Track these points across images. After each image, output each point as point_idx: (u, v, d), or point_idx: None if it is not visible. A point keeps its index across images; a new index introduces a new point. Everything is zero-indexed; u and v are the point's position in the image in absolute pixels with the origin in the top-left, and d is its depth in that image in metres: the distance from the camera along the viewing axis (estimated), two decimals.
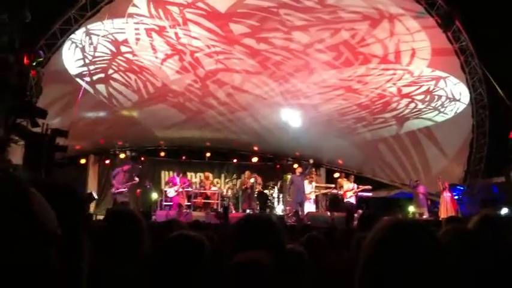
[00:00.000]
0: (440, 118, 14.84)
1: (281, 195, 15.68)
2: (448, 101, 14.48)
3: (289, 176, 14.87)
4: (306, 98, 15.04)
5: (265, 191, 15.50)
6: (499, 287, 1.51)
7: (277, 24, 12.62)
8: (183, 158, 17.35)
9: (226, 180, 17.38)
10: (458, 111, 14.65)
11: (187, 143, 17.32)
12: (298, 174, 13.88)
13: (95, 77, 13.35)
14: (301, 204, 13.19)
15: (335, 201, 14.47)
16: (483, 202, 14.19)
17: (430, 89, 14.20)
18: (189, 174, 16.25)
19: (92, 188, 15.83)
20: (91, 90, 13.60)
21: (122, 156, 16.16)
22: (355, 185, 14.33)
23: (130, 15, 11.98)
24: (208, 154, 17.49)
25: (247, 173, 14.80)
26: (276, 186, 16.11)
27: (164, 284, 1.77)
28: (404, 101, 14.72)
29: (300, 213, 12.82)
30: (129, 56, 13.20)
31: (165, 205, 14.16)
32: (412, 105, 14.78)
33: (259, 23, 12.58)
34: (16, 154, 9.22)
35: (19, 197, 0.77)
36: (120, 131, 15.75)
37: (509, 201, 12.45)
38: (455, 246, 1.53)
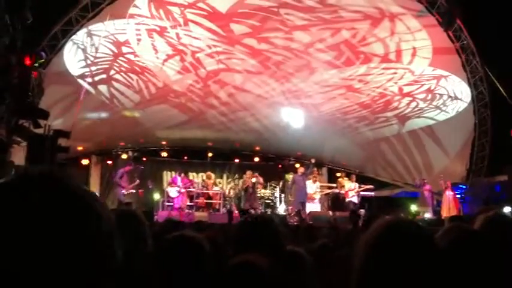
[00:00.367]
0: (442, 117, 14.83)
1: (283, 195, 15.69)
2: (449, 99, 14.47)
3: (291, 176, 14.87)
4: (307, 98, 15.04)
5: (267, 191, 15.53)
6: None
7: (278, 24, 12.63)
8: (185, 158, 17.36)
9: (228, 180, 17.38)
10: (459, 110, 14.64)
11: (189, 143, 17.33)
12: (300, 174, 13.88)
13: (96, 78, 13.37)
14: (303, 204, 13.17)
15: (337, 201, 14.45)
16: (485, 201, 14.14)
17: (432, 88, 14.18)
18: (191, 175, 16.26)
19: (94, 189, 15.83)
20: (93, 91, 13.62)
21: (124, 156, 16.16)
22: (357, 185, 14.32)
23: (132, 16, 12.01)
24: (210, 154, 17.48)
25: (248, 173, 14.77)
26: (277, 186, 16.11)
27: (164, 284, 1.78)
28: (406, 100, 14.71)
29: (302, 213, 12.81)
30: (131, 56, 13.22)
31: (167, 205, 14.16)
32: (414, 104, 14.77)
33: (260, 22, 12.59)
34: (18, 155, 9.25)
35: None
36: (122, 132, 15.77)
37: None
38: (458, 245, 1.53)
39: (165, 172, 17.14)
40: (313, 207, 13.97)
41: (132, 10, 11.85)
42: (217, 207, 14.75)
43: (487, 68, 13.06)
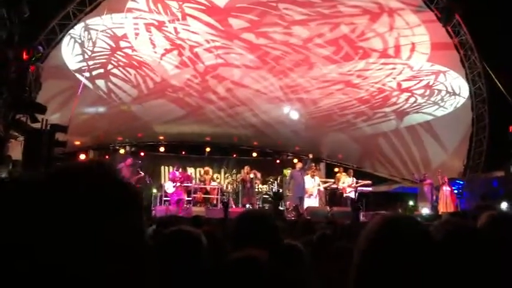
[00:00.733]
0: (440, 112, 14.84)
1: (281, 190, 15.70)
2: (447, 95, 14.47)
3: (288, 171, 14.87)
4: (306, 93, 15.03)
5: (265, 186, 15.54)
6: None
7: (277, 18, 12.60)
8: (183, 153, 17.35)
9: (226, 175, 17.37)
10: (458, 106, 14.65)
11: (187, 138, 17.32)
12: (298, 169, 13.88)
13: (94, 72, 13.33)
14: (301, 199, 13.19)
15: (334, 196, 14.46)
16: (483, 196, 14.17)
17: (430, 84, 14.19)
18: (188, 170, 16.24)
19: None
20: (90, 86, 13.58)
21: (122, 151, 16.15)
22: (355, 180, 14.32)
23: (130, 10, 11.96)
24: (208, 149, 17.47)
25: (246, 168, 14.77)
26: (275, 181, 16.11)
27: (161, 278, 1.77)
28: (404, 95, 14.72)
29: (300, 208, 12.82)
30: (129, 51, 13.18)
31: (165, 200, 14.16)
32: (412, 99, 14.78)
33: (258, 17, 12.56)
34: (16, 150, 9.23)
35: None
36: (120, 126, 15.74)
37: (509, 196, 12.45)
38: (452, 239, 1.52)
39: (162, 167, 17.13)
40: (311, 202, 13.98)
41: (130, 4, 11.81)
42: (214, 202, 14.75)
43: (486, 63, 13.06)
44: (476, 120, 14.56)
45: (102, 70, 13.45)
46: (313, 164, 15.25)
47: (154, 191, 15.03)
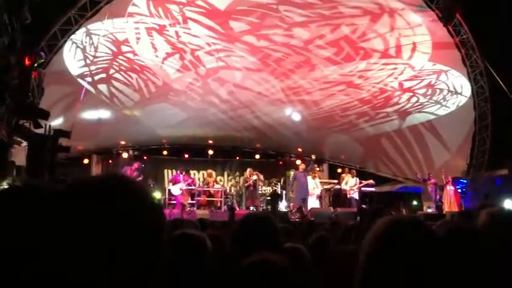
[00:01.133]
0: (442, 112, 14.82)
1: (284, 192, 15.70)
2: (449, 94, 14.45)
3: (291, 172, 14.87)
4: (308, 94, 15.03)
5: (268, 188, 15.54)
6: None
7: (277, 20, 12.61)
8: (186, 156, 17.38)
9: (230, 177, 17.39)
10: (460, 105, 14.63)
11: (190, 141, 17.34)
12: (301, 170, 13.88)
13: (96, 77, 13.36)
14: (305, 201, 13.19)
15: (338, 197, 14.46)
16: (486, 195, 14.14)
17: (432, 83, 14.17)
18: (192, 172, 16.26)
19: None
20: (93, 91, 13.62)
21: (125, 155, 16.18)
22: (358, 180, 14.32)
23: (131, 15, 11.99)
24: (211, 152, 17.50)
25: (249, 170, 14.79)
26: (279, 183, 16.12)
27: (167, 283, 1.78)
28: (406, 95, 14.70)
29: (304, 209, 12.81)
30: (130, 55, 13.21)
31: (169, 203, 14.17)
32: (414, 99, 14.76)
33: (259, 19, 12.57)
34: (19, 155, 9.26)
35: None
36: (123, 131, 15.77)
37: None
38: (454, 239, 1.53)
39: (166, 170, 17.16)
40: (312, 203, 13.98)
41: (131, 9, 11.84)
42: (218, 204, 14.77)
43: (487, 62, 13.04)
44: (479, 119, 14.53)
45: (104, 75, 13.49)
46: (316, 165, 15.25)
47: (158, 194, 15.05)
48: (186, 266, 1.79)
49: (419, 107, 14.94)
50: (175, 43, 13.09)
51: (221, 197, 14.87)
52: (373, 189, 14.95)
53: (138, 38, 12.74)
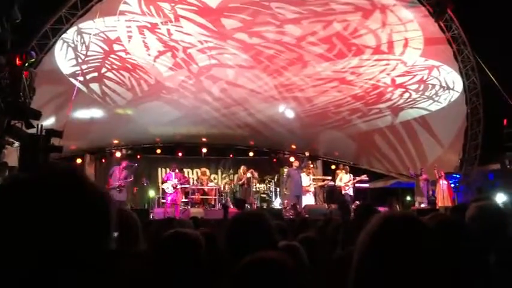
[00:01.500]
0: (434, 107, 14.89)
1: (278, 189, 15.73)
2: (441, 89, 14.52)
3: (285, 170, 14.89)
4: (300, 91, 15.04)
5: (262, 185, 15.55)
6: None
7: (269, 17, 12.60)
8: (180, 154, 17.35)
9: (223, 175, 17.38)
10: (452, 100, 14.70)
11: (183, 139, 17.31)
12: (294, 167, 13.91)
13: (88, 76, 13.29)
14: (299, 198, 13.22)
15: (332, 194, 14.50)
16: (479, 189, 14.26)
17: (424, 78, 14.23)
18: (185, 171, 16.24)
19: None
20: (85, 90, 13.54)
21: (118, 154, 16.12)
22: (352, 176, 14.38)
23: (122, 13, 11.93)
24: (204, 150, 17.48)
25: (242, 168, 14.80)
26: (273, 180, 16.14)
27: (160, 281, 1.78)
28: (399, 91, 14.75)
29: (298, 206, 12.84)
30: (122, 54, 13.15)
31: (163, 202, 14.15)
32: (406, 95, 14.82)
33: (251, 17, 12.55)
34: (11, 156, 9.20)
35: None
36: (116, 130, 15.71)
37: (505, 187, 12.52)
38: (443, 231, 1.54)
39: (159, 169, 17.12)
40: (307, 199, 14.02)
41: (122, 7, 11.77)
42: (212, 203, 14.76)
43: (478, 57, 13.11)
44: (471, 114, 14.61)
45: (96, 74, 13.41)
46: (310, 162, 15.28)
47: (152, 193, 15.02)
48: (179, 265, 1.78)
49: (412, 102, 15.00)
50: (167, 41, 13.04)
51: (215, 195, 14.87)
52: (366, 185, 15.01)
53: (129, 37, 12.67)
